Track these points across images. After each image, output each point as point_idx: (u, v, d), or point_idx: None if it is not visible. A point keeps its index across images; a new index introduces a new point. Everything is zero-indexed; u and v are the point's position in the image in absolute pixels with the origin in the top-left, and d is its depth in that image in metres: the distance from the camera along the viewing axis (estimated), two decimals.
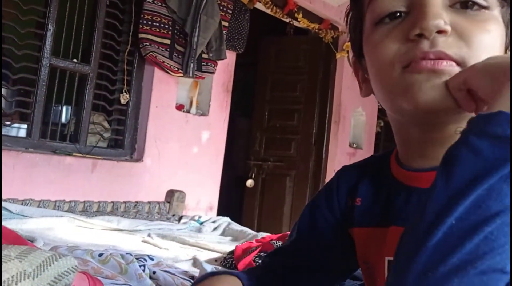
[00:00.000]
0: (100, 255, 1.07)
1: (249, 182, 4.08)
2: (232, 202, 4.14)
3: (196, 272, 1.36)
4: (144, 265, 1.08)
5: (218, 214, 3.16)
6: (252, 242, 1.75)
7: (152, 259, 1.20)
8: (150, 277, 1.06)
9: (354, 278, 1.48)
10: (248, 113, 4.48)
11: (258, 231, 2.46)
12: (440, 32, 0.51)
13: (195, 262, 1.63)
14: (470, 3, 0.52)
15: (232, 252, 1.71)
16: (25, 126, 2.42)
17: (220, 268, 1.59)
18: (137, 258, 1.13)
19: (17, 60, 2.29)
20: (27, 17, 2.35)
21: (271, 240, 1.71)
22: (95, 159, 2.57)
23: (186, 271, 1.26)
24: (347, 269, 0.74)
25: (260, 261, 1.53)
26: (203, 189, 3.15)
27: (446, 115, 0.53)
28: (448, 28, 0.51)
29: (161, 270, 1.12)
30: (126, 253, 1.14)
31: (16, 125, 2.47)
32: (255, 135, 4.17)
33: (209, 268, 1.26)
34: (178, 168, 2.97)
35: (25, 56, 2.32)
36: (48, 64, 2.39)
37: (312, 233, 0.68)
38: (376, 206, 0.62)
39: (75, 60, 2.54)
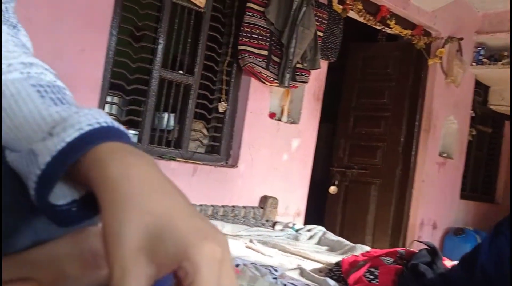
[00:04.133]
0: (237, 265, 1.15)
1: (332, 189, 4.08)
2: (314, 208, 4.17)
3: (308, 283, 1.41)
4: (276, 278, 1.15)
5: (305, 220, 3.22)
6: (358, 256, 1.77)
7: (277, 271, 1.27)
8: None
9: None
10: (330, 118, 4.47)
11: (350, 241, 2.47)
12: None
13: (302, 272, 1.69)
14: None
15: (337, 265, 1.74)
16: (136, 132, 2.61)
17: (328, 279, 1.63)
18: (266, 268, 1.20)
19: (132, 72, 2.48)
20: (141, 32, 2.54)
21: (380, 256, 1.72)
22: (195, 164, 2.72)
23: (308, 285, 1.32)
24: None
25: (371, 277, 1.55)
26: (292, 195, 3.21)
27: None
28: None
29: (289, 283, 1.18)
30: (251, 263, 1.21)
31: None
32: (339, 141, 4.17)
33: (332, 283, 1.31)
34: (268, 174, 3.06)
35: (138, 69, 2.51)
36: (158, 76, 2.56)
37: (493, 262, 0.69)
38: None
39: (181, 72, 2.71)
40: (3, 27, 0.56)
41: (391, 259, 1.64)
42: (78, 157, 0.40)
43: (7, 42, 0.55)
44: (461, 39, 3.83)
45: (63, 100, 0.49)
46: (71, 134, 0.41)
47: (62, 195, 0.43)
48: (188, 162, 2.71)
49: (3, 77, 0.50)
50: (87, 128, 0.41)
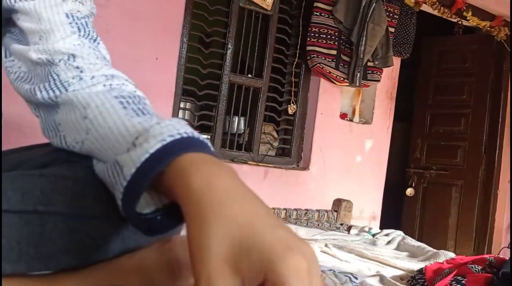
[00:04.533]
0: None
1: (409, 191, 3.91)
2: (391, 212, 4.00)
3: None
4: (356, 285, 1.09)
5: (380, 223, 3.09)
6: (442, 264, 1.66)
7: (356, 278, 1.21)
8: None
9: None
10: (405, 117, 4.28)
11: (433, 248, 2.33)
12: None
13: (382, 279, 1.61)
14: None
15: (420, 272, 1.65)
16: (207, 136, 2.66)
17: None
18: (345, 276, 1.15)
19: (202, 78, 2.53)
20: (210, 38, 2.59)
21: (467, 263, 1.60)
22: (266, 167, 2.71)
23: None
24: None
25: (457, 285, 1.45)
26: (366, 198, 3.11)
27: None
28: None
29: None
30: (329, 269, 1.16)
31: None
32: (415, 141, 3.98)
33: None
34: (342, 176, 2.98)
35: (208, 74, 2.55)
36: (227, 80, 2.59)
37: None
38: None
39: (249, 75, 2.72)
40: (85, 40, 0.58)
41: (480, 267, 1.51)
42: (162, 168, 0.41)
43: (90, 55, 0.57)
44: None
45: (144, 110, 0.50)
46: (153, 145, 0.42)
47: (146, 204, 0.44)
48: (260, 165, 2.71)
49: (88, 89, 0.52)
50: (169, 139, 0.42)
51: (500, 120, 3.66)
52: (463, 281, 1.46)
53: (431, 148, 3.90)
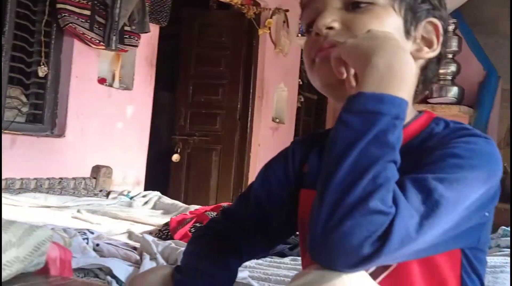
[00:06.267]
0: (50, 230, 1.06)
1: (175, 157, 4.09)
2: (158, 177, 4.13)
3: (136, 244, 1.39)
4: (87, 238, 1.10)
5: (146, 189, 3.16)
6: (186, 214, 1.81)
7: (93, 233, 1.22)
8: (94, 250, 1.09)
9: (284, 242, 1.61)
10: (171, 87, 4.44)
11: (187, 204, 2.51)
12: (330, 28, 0.64)
13: (131, 235, 1.66)
14: (356, 3, 0.64)
15: (166, 224, 1.76)
16: None
17: (156, 239, 1.63)
18: (78, 232, 1.14)
19: None
20: None
21: (205, 211, 1.78)
22: (13, 135, 2.44)
23: (127, 243, 1.30)
24: (288, 231, 0.82)
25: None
26: (130, 164, 3.12)
27: (335, 91, 0.66)
28: (335, 24, 0.64)
29: (104, 243, 1.14)
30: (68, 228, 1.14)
31: None
32: (180, 110, 4.16)
33: (150, 238, 1.31)
34: (102, 143, 2.91)
35: None
36: None
37: (264, 191, 0.76)
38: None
39: None
40: None
41: (215, 213, 1.70)
42: None
43: None
44: (287, 10, 4.09)
45: None
46: None
47: None
48: (5, 132, 2.42)
49: None
50: None
51: (251, 90, 4.12)
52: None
53: (194, 116, 4.14)
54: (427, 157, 0.58)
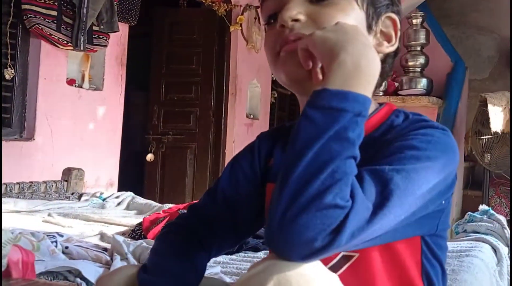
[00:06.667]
0: (12, 233, 1.06)
1: (149, 157, 4.06)
2: (133, 178, 4.10)
3: (107, 246, 1.39)
4: (55, 241, 1.09)
5: (119, 190, 3.13)
6: (160, 213, 1.81)
7: (62, 236, 1.21)
8: (63, 252, 1.08)
9: (258, 237, 1.62)
10: (144, 86, 4.40)
11: (161, 204, 2.50)
12: (296, 20, 0.64)
13: (103, 236, 1.65)
14: None
15: (139, 224, 1.75)
16: None
17: (129, 240, 1.63)
18: (47, 235, 1.13)
19: None
20: None
21: (178, 209, 1.78)
22: None
23: (98, 245, 1.29)
24: (256, 225, 0.83)
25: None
26: (102, 165, 3.09)
27: (301, 84, 0.66)
28: (300, 16, 0.64)
29: (74, 245, 1.14)
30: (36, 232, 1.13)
31: None
32: (152, 108, 4.13)
33: (121, 239, 1.31)
34: (73, 145, 2.88)
35: None
36: None
37: (232, 186, 0.77)
38: None
39: None
40: None
41: None
42: None
43: None
44: (258, 7, 4.10)
45: None
46: None
47: None
48: None
49: None
50: None
51: (224, 87, 4.12)
52: None
53: (167, 115, 4.12)
54: (386, 149, 0.60)
